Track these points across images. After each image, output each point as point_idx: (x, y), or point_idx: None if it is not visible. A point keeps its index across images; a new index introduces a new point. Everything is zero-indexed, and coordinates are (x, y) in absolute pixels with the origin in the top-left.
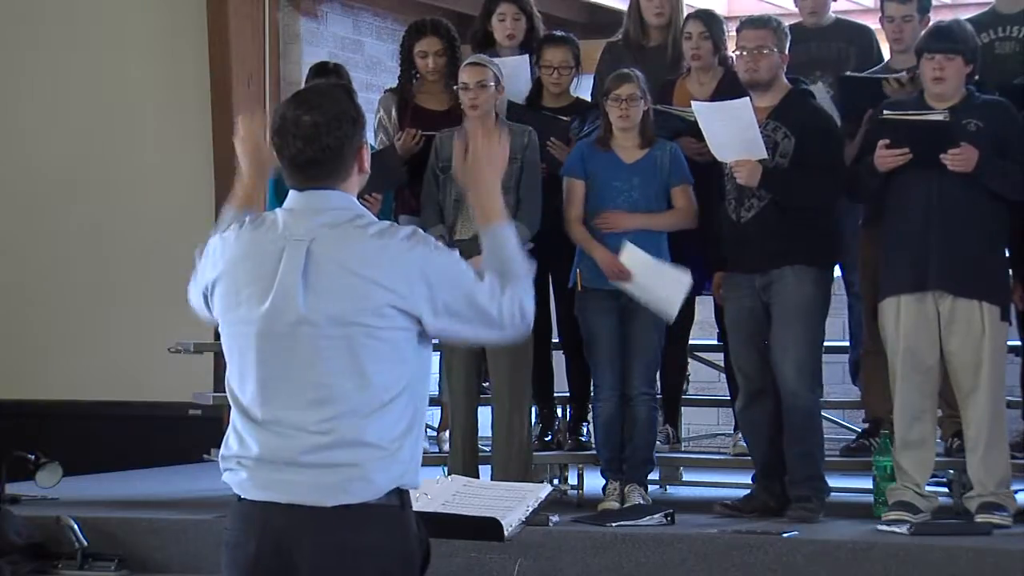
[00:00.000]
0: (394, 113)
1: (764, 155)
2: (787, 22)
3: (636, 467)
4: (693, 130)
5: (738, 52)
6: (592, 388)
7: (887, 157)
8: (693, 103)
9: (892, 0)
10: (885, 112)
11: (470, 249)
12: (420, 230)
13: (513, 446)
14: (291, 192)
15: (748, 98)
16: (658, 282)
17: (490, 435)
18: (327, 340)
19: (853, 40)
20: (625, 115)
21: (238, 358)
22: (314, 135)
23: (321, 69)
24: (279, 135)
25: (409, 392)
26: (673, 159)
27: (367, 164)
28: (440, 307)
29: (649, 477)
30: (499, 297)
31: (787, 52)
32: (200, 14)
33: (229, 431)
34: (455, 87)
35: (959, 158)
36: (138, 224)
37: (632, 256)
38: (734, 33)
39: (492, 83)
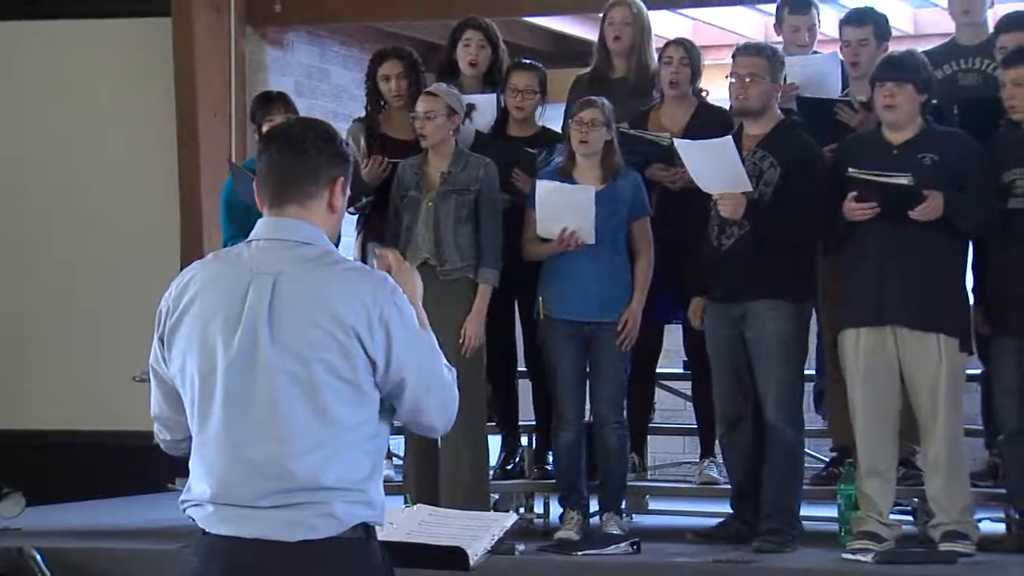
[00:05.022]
0: (363, 142)
1: (749, 188)
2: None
3: (611, 495)
4: (665, 156)
5: (730, 78)
6: (554, 417)
7: (856, 211)
8: (676, 141)
9: (849, 24)
10: (851, 171)
11: None
12: (391, 279)
13: (458, 476)
14: (260, 221)
15: (730, 137)
16: (569, 204)
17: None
18: (290, 377)
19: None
20: (585, 139)
21: (201, 397)
22: (299, 140)
23: (265, 98)
24: (266, 138)
25: (372, 434)
26: (636, 190)
27: (339, 203)
28: (393, 360)
29: None
30: (451, 383)
31: (782, 81)
32: (166, 45)
33: (192, 476)
34: (410, 116)
35: (927, 210)
36: (102, 255)
37: (543, 190)
38: (707, 62)
39: (442, 114)
